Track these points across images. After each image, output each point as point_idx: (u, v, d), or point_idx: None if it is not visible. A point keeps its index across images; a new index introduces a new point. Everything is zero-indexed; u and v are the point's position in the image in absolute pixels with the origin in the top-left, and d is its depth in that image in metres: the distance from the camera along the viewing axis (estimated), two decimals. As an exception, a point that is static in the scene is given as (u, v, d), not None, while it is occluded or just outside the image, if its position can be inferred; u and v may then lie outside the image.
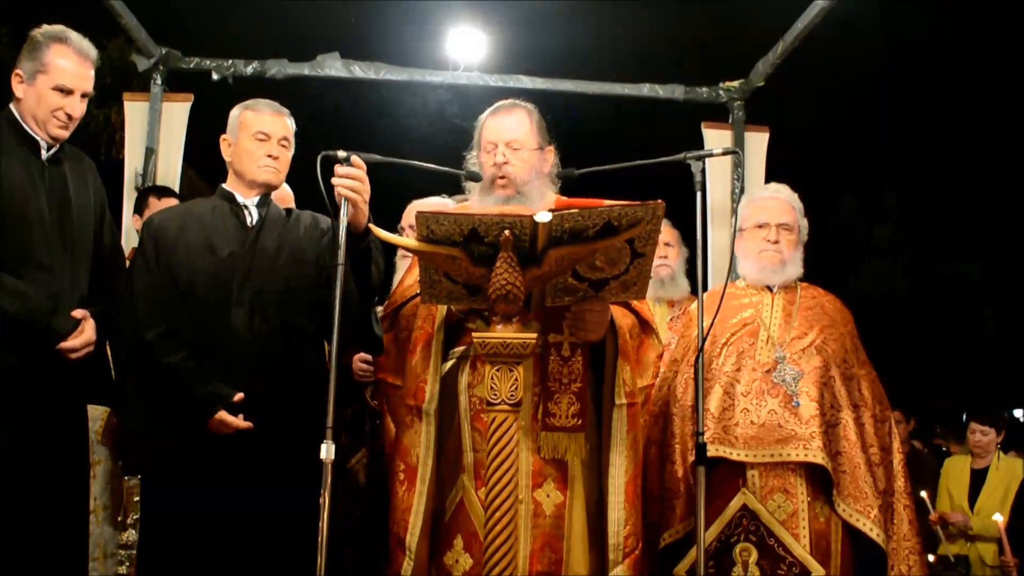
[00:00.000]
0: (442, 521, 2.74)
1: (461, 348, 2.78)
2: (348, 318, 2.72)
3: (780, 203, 3.28)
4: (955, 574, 4.98)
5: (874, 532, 2.94)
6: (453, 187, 3.44)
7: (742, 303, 3.25)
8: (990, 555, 5.04)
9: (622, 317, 2.81)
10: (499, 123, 2.89)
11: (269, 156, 2.93)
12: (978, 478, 5.33)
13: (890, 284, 18.08)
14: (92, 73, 2.89)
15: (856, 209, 18.96)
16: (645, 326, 2.93)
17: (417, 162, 2.81)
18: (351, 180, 2.63)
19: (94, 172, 3.02)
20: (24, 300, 2.70)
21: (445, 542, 2.71)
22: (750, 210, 3.30)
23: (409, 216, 3.77)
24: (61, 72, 2.82)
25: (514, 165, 2.81)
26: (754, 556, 2.95)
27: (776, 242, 3.22)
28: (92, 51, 2.89)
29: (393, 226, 3.71)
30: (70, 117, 2.85)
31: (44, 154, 2.86)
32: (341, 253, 2.57)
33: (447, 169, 2.86)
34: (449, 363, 2.79)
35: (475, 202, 2.88)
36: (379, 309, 3.14)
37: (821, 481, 2.99)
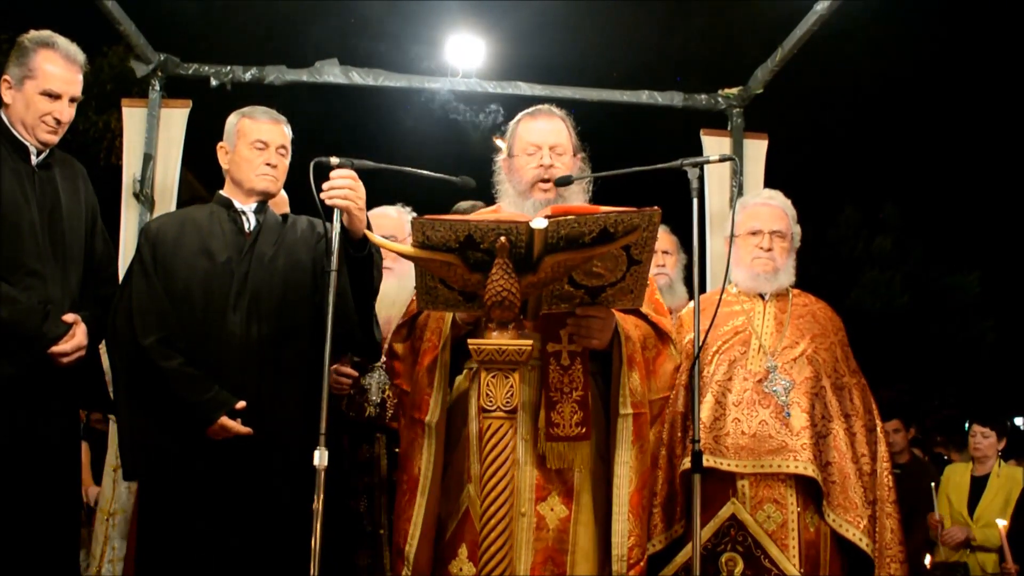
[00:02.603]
0: (449, 530, 2.72)
1: None
2: (344, 324, 2.71)
3: (773, 210, 3.26)
4: (953, 579, 4.97)
5: (863, 542, 2.93)
6: (450, 194, 3.42)
7: (733, 310, 3.24)
8: (991, 563, 5.02)
9: (633, 327, 2.78)
10: (541, 127, 2.86)
11: (268, 164, 2.93)
12: (978, 485, 5.29)
13: (890, 295, 18.04)
14: (80, 78, 2.89)
15: (856, 219, 18.93)
16: (663, 336, 2.89)
17: (411, 168, 2.80)
18: (341, 189, 2.62)
19: (85, 178, 3.01)
20: (14, 306, 2.69)
21: (450, 551, 2.70)
22: (743, 216, 3.28)
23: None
24: (49, 77, 2.81)
25: (558, 168, 2.80)
26: (740, 566, 2.93)
27: (769, 249, 3.20)
28: (80, 56, 2.89)
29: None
30: (59, 122, 2.84)
31: (34, 159, 2.86)
32: (334, 259, 2.56)
33: (441, 176, 2.84)
34: (462, 374, 2.79)
35: (507, 207, 2.85)
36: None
37: (811, 491, 2.98)
